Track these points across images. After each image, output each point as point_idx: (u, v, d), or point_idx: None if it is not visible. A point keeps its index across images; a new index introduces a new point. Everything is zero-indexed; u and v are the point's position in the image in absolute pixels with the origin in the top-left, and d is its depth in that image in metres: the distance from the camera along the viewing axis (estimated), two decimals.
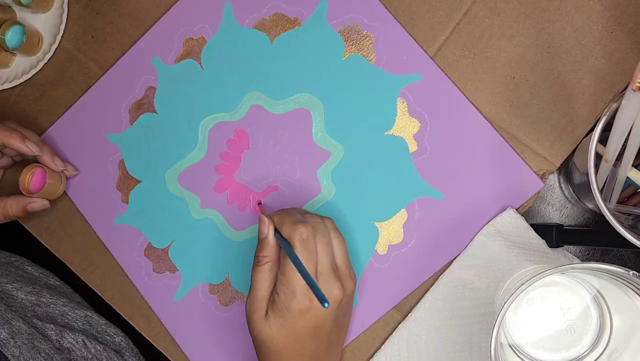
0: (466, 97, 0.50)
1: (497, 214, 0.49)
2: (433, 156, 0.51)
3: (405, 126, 0.51)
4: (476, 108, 0.50)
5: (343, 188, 0.52)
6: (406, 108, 0.51)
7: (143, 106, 0.55)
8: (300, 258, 0.42)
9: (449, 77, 0.51)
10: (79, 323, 0.54)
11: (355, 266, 0.51)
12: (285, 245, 0.43)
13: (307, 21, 0.52)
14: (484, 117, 0.50)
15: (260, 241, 0.46)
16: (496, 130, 0.50)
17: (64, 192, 0.56)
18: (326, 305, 0.37)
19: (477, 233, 0.49)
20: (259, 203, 0.53)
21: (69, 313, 0.54)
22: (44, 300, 0.53)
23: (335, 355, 0.48)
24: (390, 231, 0.51)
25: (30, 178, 0.51)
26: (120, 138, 0.56)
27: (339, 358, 0.50)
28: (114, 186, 0.56)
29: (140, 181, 0.55)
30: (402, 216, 0.51)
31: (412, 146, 0.51)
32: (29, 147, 0.51)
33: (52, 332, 0.50)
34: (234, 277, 0.54)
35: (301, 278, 0.42)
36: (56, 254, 0.57)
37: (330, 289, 0.43)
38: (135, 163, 0.55)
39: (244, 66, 0.54)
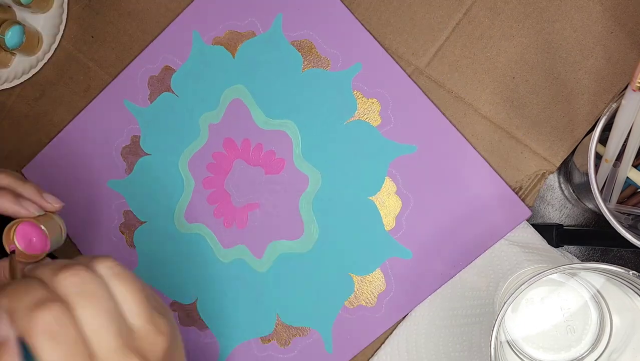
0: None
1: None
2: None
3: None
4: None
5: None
6: (394, 186, 0.51)
7: (135, 150, 0.55)
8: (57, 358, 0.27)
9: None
10: None
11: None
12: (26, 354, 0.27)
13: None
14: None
15: None
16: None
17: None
18: None
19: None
20: (12, 252, 0.39)
21: None
22: None
23: None
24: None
25: (15, 237, 0.38)
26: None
27: None
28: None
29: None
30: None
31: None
32: (26, 208, 0.39)
33: None
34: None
35: None
36: (55, 255, 0.57)
37: None
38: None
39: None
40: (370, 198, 0.51)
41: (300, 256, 0.52)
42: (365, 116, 0.52)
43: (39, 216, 0.40)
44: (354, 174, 0.52)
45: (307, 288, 0.52)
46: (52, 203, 0.41)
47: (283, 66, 0.53)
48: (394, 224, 0.51)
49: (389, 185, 0.51)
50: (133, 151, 0.55)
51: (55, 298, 0.28)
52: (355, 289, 0.51)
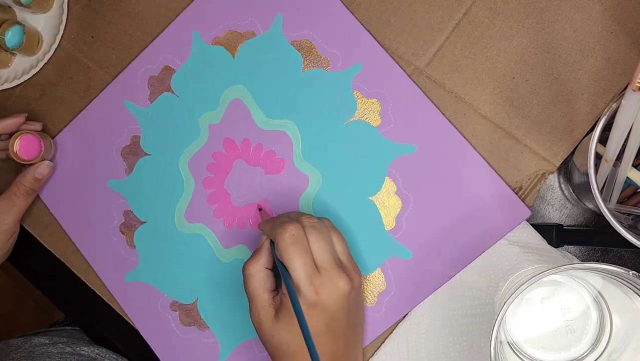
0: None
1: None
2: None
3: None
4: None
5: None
6: (394, 188, 0.51)
7: (135, 150, 0.55)
8: (291, 255, 0.42)
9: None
10: None
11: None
12: (279, 262, 0.43)
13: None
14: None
15: (255, 252, 0.46)
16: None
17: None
18: None
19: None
20: (259, 209, 0.53)
21: None
22: None
23: (356, 356, 0.47)
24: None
25: (18, 146, 0.51)
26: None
27: (360, 359, 0.49)
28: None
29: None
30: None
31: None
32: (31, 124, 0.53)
33: None
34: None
35: (302, 272, 0.42)
36: (56, 254, 0.57)
37: (336, 282, 0.43)
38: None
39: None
40: (371, 197, 0.51)
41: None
42: (365, 116, 0.51)
43: (39, 132, 0.53)
44: (354, 175, 0.52)
45: None
46: (36, 125, 0.54)
47: (283, 66, 0.53)
48: (394, 224, 0.51)
49: (389, 185, 0.51)
50: (133, 151, 0.55)
51: (296, 222, 0.43)
52: None
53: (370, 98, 0.51)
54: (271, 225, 0.45)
